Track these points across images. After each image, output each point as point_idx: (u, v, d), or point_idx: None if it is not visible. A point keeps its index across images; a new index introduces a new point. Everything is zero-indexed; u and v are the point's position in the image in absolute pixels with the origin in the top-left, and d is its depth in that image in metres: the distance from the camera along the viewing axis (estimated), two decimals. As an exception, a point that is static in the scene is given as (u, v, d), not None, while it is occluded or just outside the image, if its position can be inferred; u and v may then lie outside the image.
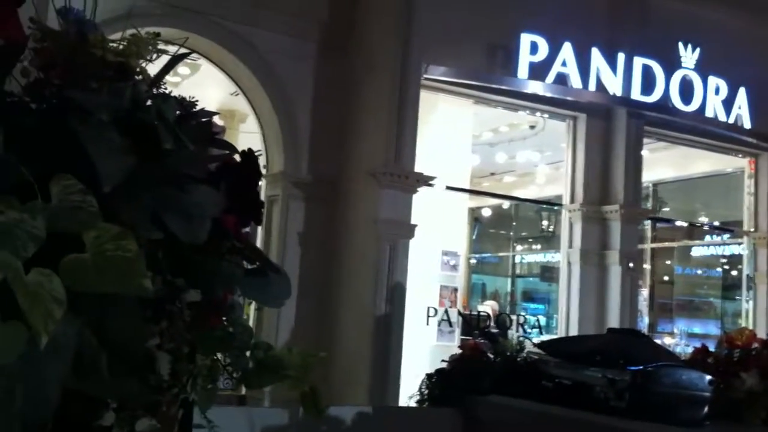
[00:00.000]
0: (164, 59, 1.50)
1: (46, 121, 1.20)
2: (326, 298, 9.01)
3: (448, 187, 10.51)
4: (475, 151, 12.36)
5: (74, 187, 1.12)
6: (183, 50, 1.55)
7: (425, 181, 9.15)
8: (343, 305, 8.95)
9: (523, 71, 10.10)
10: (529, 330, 10.92)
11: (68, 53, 1.33)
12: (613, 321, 10.40)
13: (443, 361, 4.49)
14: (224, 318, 1.55)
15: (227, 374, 1.64)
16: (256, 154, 1.68)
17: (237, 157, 1.64)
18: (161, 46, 1.47)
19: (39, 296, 0.98)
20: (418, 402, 4.28)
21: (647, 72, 10.82)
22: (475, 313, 11.29)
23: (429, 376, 4.37)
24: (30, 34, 1.33)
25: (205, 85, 9.79)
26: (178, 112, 1.38)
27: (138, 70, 1.38)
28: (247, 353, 1.67)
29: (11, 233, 1.01)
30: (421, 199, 9.25)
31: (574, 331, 10.45)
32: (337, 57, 9.39)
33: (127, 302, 1.12)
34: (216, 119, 1.62)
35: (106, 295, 1.08)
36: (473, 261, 15.12)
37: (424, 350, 9.99)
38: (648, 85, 10.82)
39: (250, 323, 2.39)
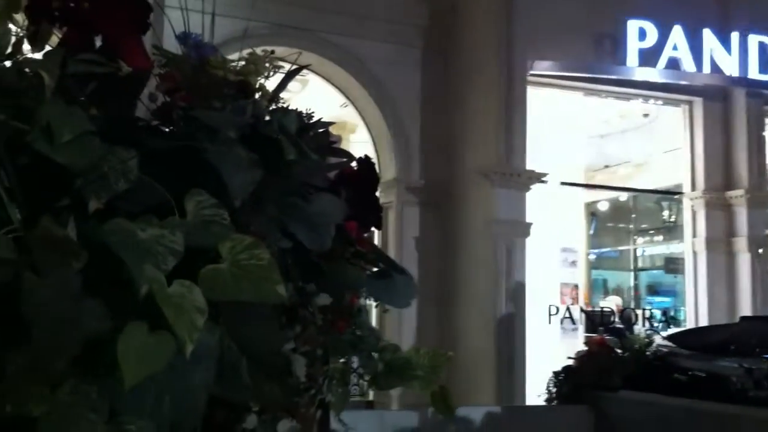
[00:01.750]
0: (279, 76, 1.55)
1: (176, 142, 1.26)
2: (446, 300, 9.02)
3: (563, 183, 10.35)
4: (587, 143, 12.12)
5: (207, 202, 1.17)
6: (293, 66, 1.60)
7: (537, 178, 9.05)
8: (464, 307, 8.94)
9: (632, 59, 9.86)
10: (656, 324, 10.62)
11: (191, 76, 1.39)
12: (745, 309, 9.99)
13: (569, 358, 4.42)
14: (352, 322, 1.59)
15: (358, 376, 1.68)
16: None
17: (354, 165, 1.68)
18: (276, 63, 1.52)
19: (182, 307, 1.03)
20: (546, 400, 4.23)
21: (764, 49, 10.36)
22: (598, 309, 11.05)
23: (556, 374, 4.31)
24: (154, 60, 1.40)
25: (314, 99, 9.99)
26: (297, 125, 1.43)
27: (257, 87, 1.43)
28: (376, 355, 1.70)
29: (152, 249, 1.07)
30: (535, 196, 9.15)
31: (703, 322, 10.09)
32: (440, 60, 9.42)
33: (263, 309, 1.16)
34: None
35: (243, 302, 1.13)
36: (592, 257, 14.80)
37: (547, 348, 9.86)
38: (766, 63, 10.36)
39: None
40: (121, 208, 1.14)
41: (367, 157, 1.70)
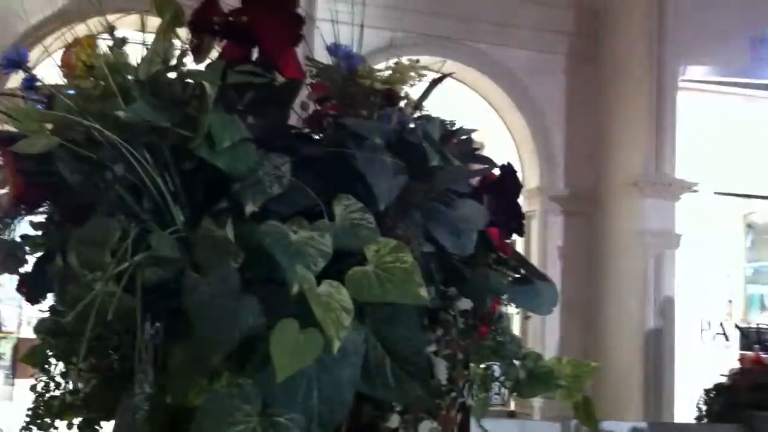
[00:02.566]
0: (423, 84, 1.59)
1: (326, 149, 1.32)
2: (591, 312, 8.82)
3: (717, 193, 9.90)
4: (744, 151, 11.54)
5: (354, 207, 1.22)
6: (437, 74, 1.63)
7: (688, 187, 8.70)
8: (610, 319, 8.71)
9: (794, 62, 9.32)
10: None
11: (340, 85, 1.44)
12: None
13: (722, 375, 4.23)
14: (494, 327, 1.59)
15: (499, 383, 1.68)
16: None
17: (496, 172, 1.69)
18: (421, 72, 1.56)
19: (330, 306, 1.08)
20: (696, 418, 4.07)
21: None
22: (754, 325, 10.48)
23: (707, 391, 4.14)
24: (306, 71, 1.46)
25: (460, 106, 10.01)
26: (441, 132, 1.46)
27: (402, 95, 1.47)
28: (517, 363, 1.70)
29: (303, 250, 1.12)
30: (687, 206, 8.80)
31: None
32: (586, 67, 9.24)
33: (406, 311, 1.19)
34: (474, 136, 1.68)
35: (388, 304, 1.16)
36: (749, 271, 14.05)
37: (698, 365, 9.45)
38: None
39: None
40: (274, 211, 1.20)
41: (509, 165, 1.71)
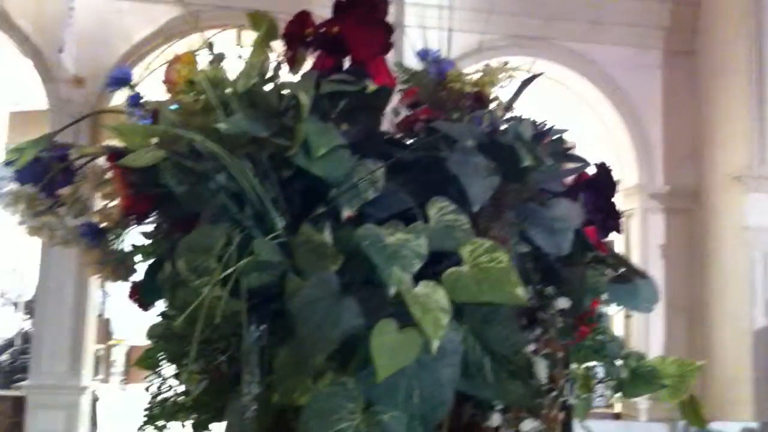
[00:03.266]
0: (514, 85, 1.59)
1: (418, 153, 1.34)
2: (696, 311, 8.57)
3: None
4: None
5: (448, 209, 1.24)
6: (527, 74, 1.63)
7: (797, 180, 8.35)
8: (716, 318, 8.44)
9: None
10: None
11: (431, 90, 1.47)
12: None
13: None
14: (594, 327, 1.58)
15: (602, 384, 1.67)
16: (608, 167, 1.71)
17: (591, 171, 1.67)
18: (510, 73, 1.56)
19: (428, 306, 1.10)
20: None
21: None
22: None
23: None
24: (397, 77, 1.49)
25: (551, 106, 9.90)
26: (532, 132, 1.46)
27: (493, 97, 1.48)
28: (619, 363, 1.68)
29: (399, 252, 1.15)
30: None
31: None
32: (683, 62, 9.00)
33: (504, 311, 1.20)
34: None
35: (485, 304, 1.18)
36: None
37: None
38: None
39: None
40: (370, 215, 1.23)
41: (603, 164, 1.69)
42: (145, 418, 1.80)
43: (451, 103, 1.45)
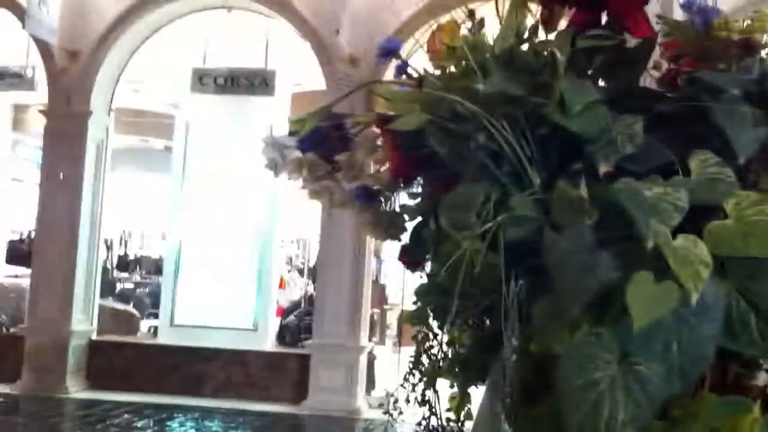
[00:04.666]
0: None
1: (679, 105, 1.31)
2: None
3: None
4: None
5: (711, 161, 1.20)
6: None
7: None
8: None
9: None
10: None
11: (694, 41, 1.42)
12: None
13: None
14: None
15: None
16: None
17: None
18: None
19: (687, 259, 1.08)
20: None
21: None
22: None
23: None
24: (659, 30, 1.46)
25: None
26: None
27: (763, 43, 1.41)
28: None
29: (658, 205, 1.14)
30: None
31: None
32: None
33: (771, 266, 1.15)
34: None
35: (751, 259, 1.13)
36: None
37: None
38: None
39: None
40: (627, 170, 1.23)
41: None
42: (410, 370, 1.92)
43: (717, 52, 1.40)
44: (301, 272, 13.95)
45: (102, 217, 10.90)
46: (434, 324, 1.87)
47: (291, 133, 1.71)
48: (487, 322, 1.66)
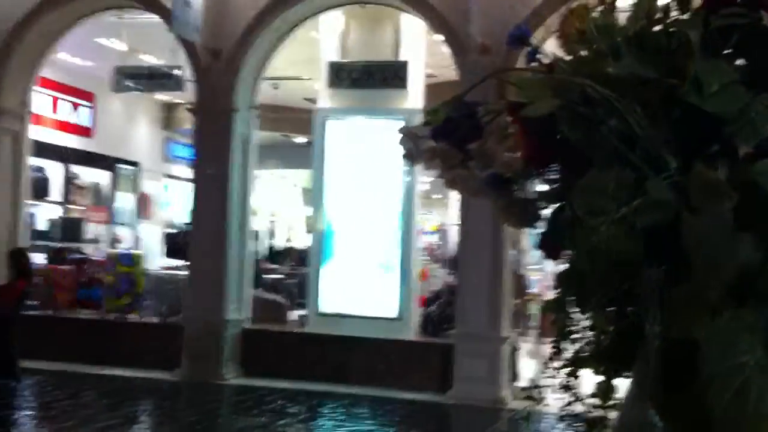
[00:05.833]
0: None
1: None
2: None
3: None
4: None
5: None
6: None
7: None
8: None
9: None
10: None
11: None
12: None
13: None
14: None
15: None
16: None
17: None
18: None
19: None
20: None
21: None
22: None
23: None
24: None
25: None
26: None
27: None
28: None
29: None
30: None
31: None
32: None
33: None
34: None
35: None
36: None
37: None
38: None
39: None
40: (767, 151, 1.19)
41: None
42: (553, 362, 1.91)
43: None
44: (441, 262, 14.03)
45: (249, 210, 11.35)
46: (575, 312, 1.86)
47: (425, 124, 1.75)
48: (631, 313, 1.64)
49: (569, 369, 1.90)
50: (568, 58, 1.46)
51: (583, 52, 1.40)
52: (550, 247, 1.71)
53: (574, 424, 1.82)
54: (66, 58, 14.40)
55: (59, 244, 14.86)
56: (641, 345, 1.39)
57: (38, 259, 12.69)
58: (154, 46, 12.78)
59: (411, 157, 1.77)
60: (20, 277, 10.00)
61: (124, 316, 11.65)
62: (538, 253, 1.77)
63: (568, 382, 1.80)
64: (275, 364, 10.62)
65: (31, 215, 14.25)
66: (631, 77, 1.26)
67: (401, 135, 1.75)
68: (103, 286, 11.76)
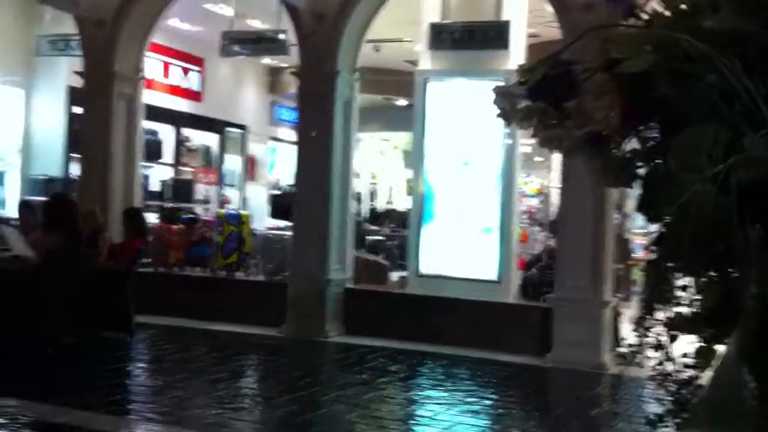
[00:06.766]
0: None
1: None
2: None
3: None
4: None
5: None
6: None
7: None
8: None
9: None
10: None
11: None
12: None
13: None
14: None
15: None
16: None
17: None
18: None
19: None
20: None
21: None
22: None
23: None
24: None
25: None
26: None
27: None
28: None
29: None
30: None
31: None
32: None
33: None
34: None
35: None
36: None
37: None
38: None
39: None
40: None
41: None
42: (645, 320, 1.88)
43: None
44: (541, 225, 13.87)
45: (351, 172, 11.49)
46: (674, 276, 1.83)
47: (521, 83, 1.74)
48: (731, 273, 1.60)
49: (669, 332, 1.88)
50: (667, 13, 1.44)
51: (682, 6, 1.38)
52: (647, 209, 1.69)
53: (664, 383, 1.81)
54: (176, 24, 14.81)
55: (171, 205, 15.43)
56: (738, 307, 1.38)
57: (151, 218, 13.20)
58: (260, 10, 12.98)
59: (506, 116, 1.78)
60: (137, 235, 10.43)
61: (233, 274, 12.02)
62: (642, 217, 1.76)
63: (660, 341, 1.79)
64: (376, 324, 10.79)
65: (145, 176, 14.81)
66: (729, 31, 1.23)
67: (496, 94, 1.76)
68: (212, 245, 12.15)
